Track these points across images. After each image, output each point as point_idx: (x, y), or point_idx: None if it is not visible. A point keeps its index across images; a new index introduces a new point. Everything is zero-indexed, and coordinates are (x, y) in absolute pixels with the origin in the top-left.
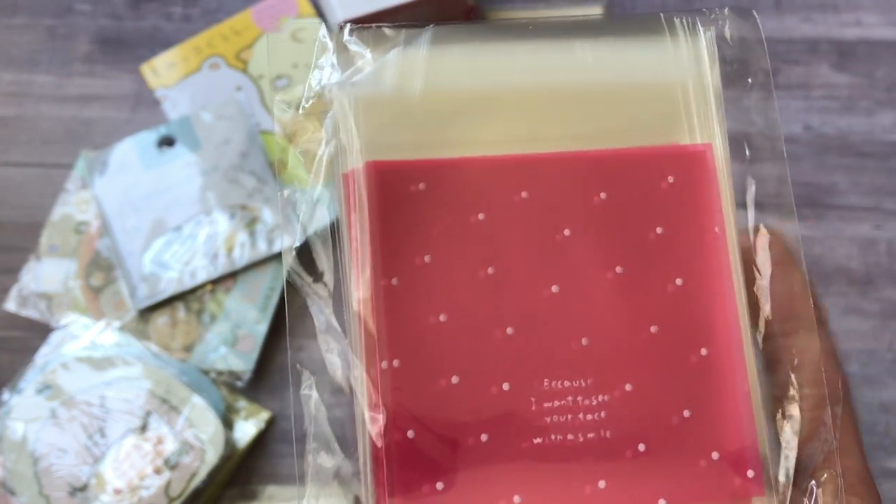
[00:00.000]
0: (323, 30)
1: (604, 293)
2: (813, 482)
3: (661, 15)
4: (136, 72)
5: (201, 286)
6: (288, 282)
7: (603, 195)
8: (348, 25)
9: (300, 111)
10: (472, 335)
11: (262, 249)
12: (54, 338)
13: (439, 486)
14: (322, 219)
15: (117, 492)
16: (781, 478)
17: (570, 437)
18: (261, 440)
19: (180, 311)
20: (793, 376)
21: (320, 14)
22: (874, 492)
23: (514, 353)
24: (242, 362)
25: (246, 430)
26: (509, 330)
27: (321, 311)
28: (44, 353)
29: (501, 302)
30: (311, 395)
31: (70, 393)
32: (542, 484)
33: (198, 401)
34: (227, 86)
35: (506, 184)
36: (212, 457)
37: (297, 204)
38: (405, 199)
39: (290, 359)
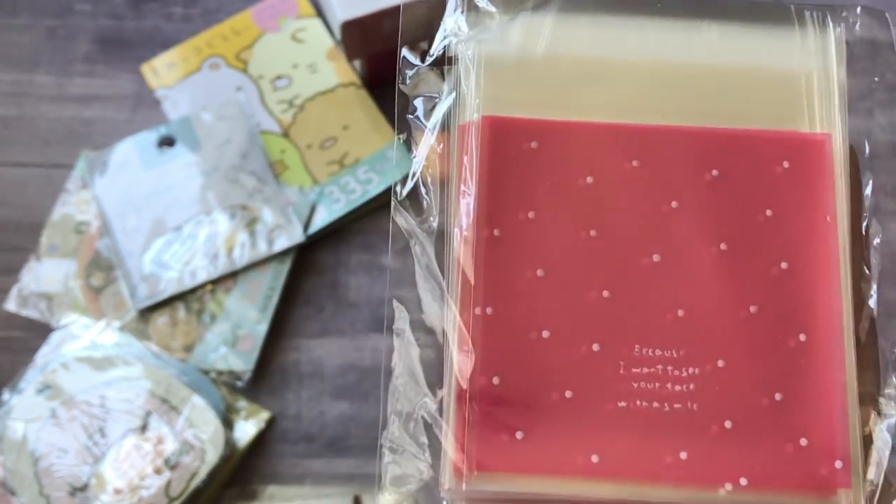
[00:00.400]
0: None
1: (706, 268)
2: None
3: (792, 6)
4: (137, 72)
5: (201, 286)
6: (393, 221)
7: (715, 172)
8: None
9: (425, 62)
10: (567, 293)
11: (263, 249)
12: (54, 338)
13: (519, 435)
14: (434, 169)
15: (117, 492)
16: (872, 475)
17: (655, 405)
18: (261, 440)
19: (180, 311)
20: (894, 378)
21: (320, 14)
22: None
23: (608, 316)
24: (242, 362)
25: (246, 430)
26: (605, 293)
27: (423, 252)
28: (44, 353)
29: (601, 264)
30: (404, 330)
31: (70, 393)
32: (622, 447)
33: (198, 401)
34: (228, 86)
35: (618, 151)
36: (212, 457)
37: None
38: (517, 155)
39: (387, 291)
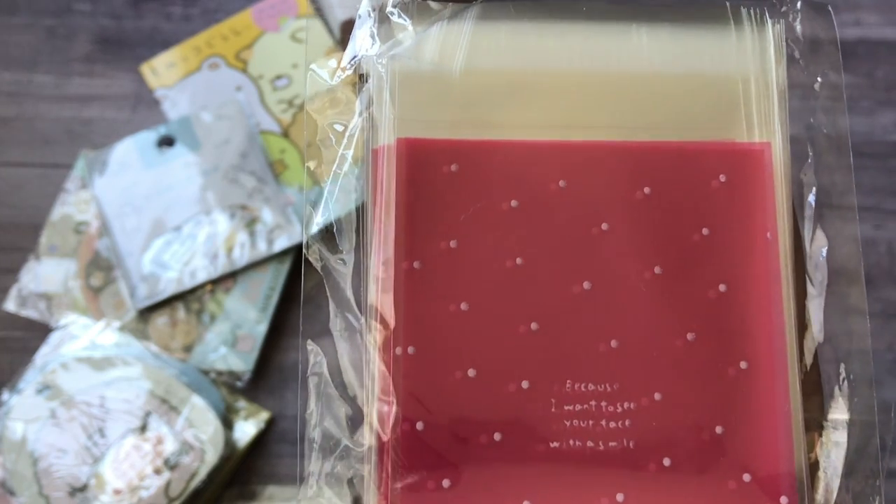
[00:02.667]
0: (364, 13)
1: (639, 294)
2: None
3: (728, 3)
4: (136, 72)
5: (201, 286)
6: (306, 259)
7: (647, 190)
8: None
9: (333, 80)
10: (493, 327)
11: (262, 249)
12: (54, 338)
13: (445, 483)
14: (347, 199)
15: (117, 492)
16: None
17: (589, 444)
18: (260, 440)
19: (180, 311)
20: (841, 400)
21: (320, 14)
22: None
23: (536, 351)
24: (242, 362)
25: (246, 430)
26: (534, 325)
27: (338, 290)
28: (43, 354)
29: (528, 295)
30: (322, 374)
31: (70, 393)
32: (555, 491)
33: (197, 401)
34: (227, 86)
35: (543, 171)
36: (211, 457)
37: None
38: (435, 179)
39: (300, 335)
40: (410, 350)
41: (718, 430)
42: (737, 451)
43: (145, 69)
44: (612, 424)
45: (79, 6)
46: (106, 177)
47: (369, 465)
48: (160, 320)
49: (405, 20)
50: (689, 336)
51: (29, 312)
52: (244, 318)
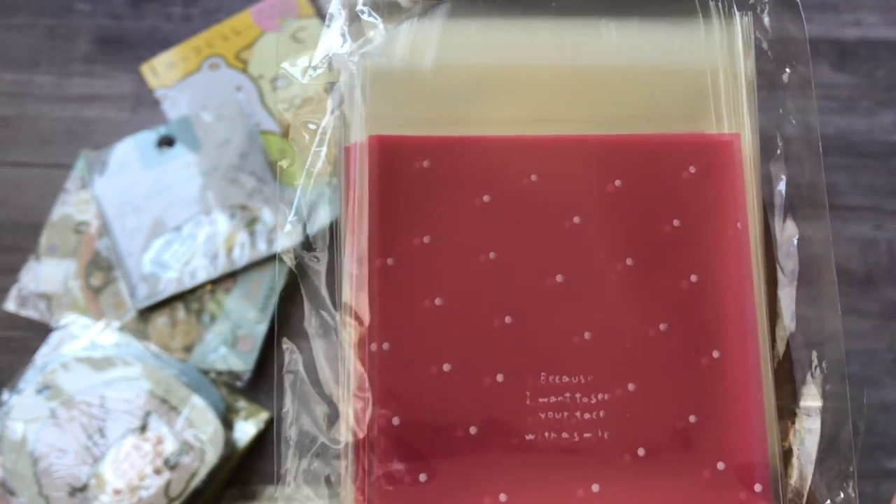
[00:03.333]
0: (334, 10)
1: (611, 286)
2: (828, 502)
3: None
4: (136, 72)
5: (201, 286)
6: (279, 258)
7: (618, 183)
8: None
9: (305, 80)
10: (468, 322)
11: (262, 249)
12: (54, 338)
13: (422, 477)
14: (320, 197)
15: (117, 492)
16: (792, 495)
17: (564, 435)
18: (260, 440)
19: (180, 311)
20: (813, 388)
21: (320, 14)
22: None
23: (511, 344)
24: (242, 362)
25: (246, 430)
26: (508, 319)
27: (312, 289)
28: (43, 354)
29: (502, 289)
30: (298, 371)
31: (70, 393)
32: (531, 483)
33: (197, 401)
34: (227, 86)
35: (515, 165)
36: (211, 457)
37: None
38: (408, 176)
39: (275, 335)
40: (385, 346)
41: (692, 419)
42: (710, 440)
43: (145, 69)
44: (587, 416)
45: (79, 6)
46: (106, 177)
47: (346, 461)
48: (160, 320)
49: (375, 18)
50: (662, 326)
51: (29, 312)
52: (244, 318)
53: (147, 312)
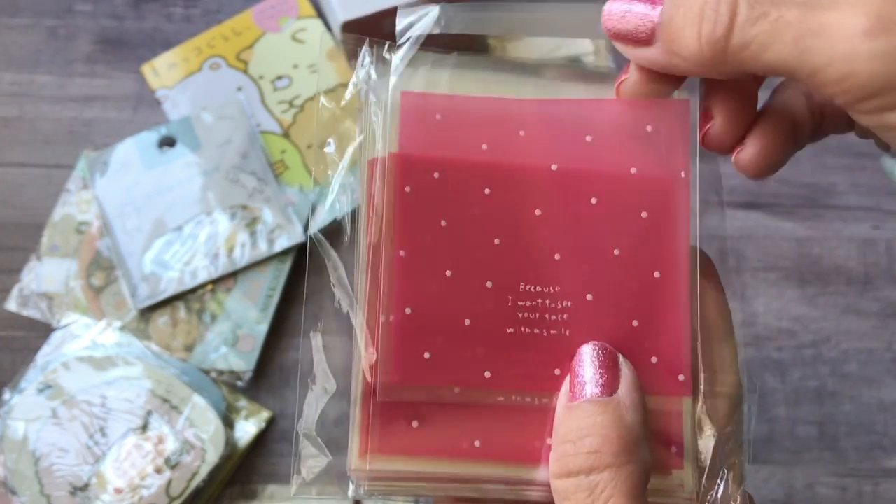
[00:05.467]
0: (366, 46)
1: (579, 219)
2: (725, 469)
3: None
4: (137, 72)
5: (202, 286)
6: (311, 240)
7: (589, 138)
8: (387, 43)
9: (341, 104)
10: (468, 241)
11: (263, 249)
12: (55, 337)
13: (414, 423)
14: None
15: (118, 491)
16: (705, 386)
17: (535, 331)
18: (261, 439)
19: (181, 310)
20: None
21: (320, 14)
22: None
23: (500, 259)
24: (243, 362)
25: (246, 429)
26: (497, 241)
27: (335, 270)
28: (45, 353)
29: (495, 218)
30: (318, 335)
31: (71, 392)
32: (510, 365)
33: (198, 400)
34: (228, 86)
35: (506, 125)
36: (212, 456)
37: (329, 185)
38: (420, 183)
39: (303, 308)
40: (402, 253)
41: (635, 323)
42: (647, 340)
43: (146, 70)
44: (553, 318)
45: (80, 7)
46: (107, 177)
47: (354, 405)
48: (161, 320)
49: (404, 66)
50: (616, 251)
51: (30, 312)
52: (245, 317)
53: (148, 312)
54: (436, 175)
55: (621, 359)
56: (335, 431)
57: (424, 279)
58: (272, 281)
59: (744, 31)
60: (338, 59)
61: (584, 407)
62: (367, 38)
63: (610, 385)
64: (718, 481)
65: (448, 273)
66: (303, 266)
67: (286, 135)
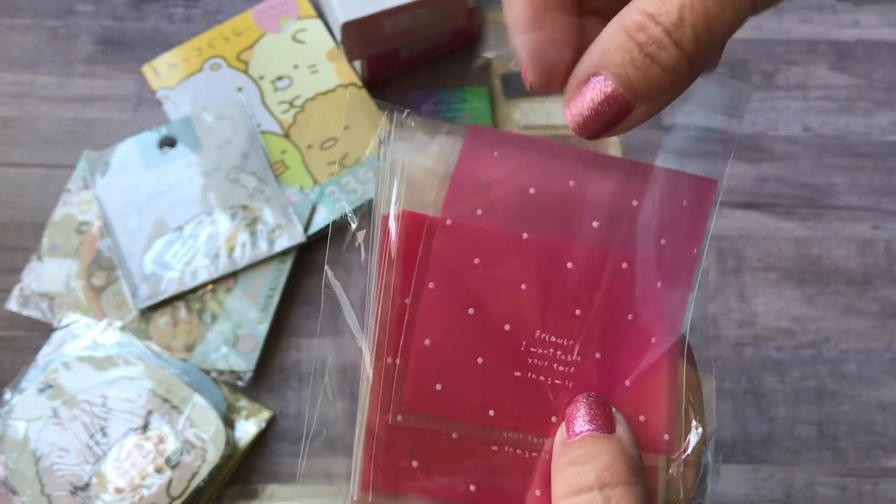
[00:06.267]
0: (387, 117)
1: (608, 281)
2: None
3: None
4: (138, 72)
5: (202, 286)
6: (326, 288)
7: (635, 202)
8: (407, 111)
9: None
10: (496, 284)
11: (263, 249)
12: (56, 337)
13: (414, 464)
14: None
15: (119, 491)
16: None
17: (541, 378)
18: (261, 439)
19: (181, 310)
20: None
21: (321, 15)
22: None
23: (522, 304)
24: (243, 362)
25: (247, 429)
26: (523, 286)
27: (349, 315)
28: (45, 353)
29: (527, 264)
30: (325, 380)
31: (71, 392)
32: (513, 405)
33: (199, 400)
34: (228, 86)
35: (559, 172)
36: (213, 456)
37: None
38: (424, 238)
39: (316, 351)
40: (431, 286)
41: (627, 383)
42: (638, 399)
43: (147, 70)
44: (561, 369)
45: (81, 7)
46: (108, 177)
47: (358, 439)
48: (162, 320)
49: (419, 128)
50: (630, 317)
51: (31, 312)
52: (245, 317)
53: (149, 312)
54: (479, 212)
55: (613, 409)
56: (341, 441)
57: (448, 313)
58: (272, 281)
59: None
60: (338, 59)
61: (587, 439)
62: (394, 110)
63: (608, 426)
64: None
65: (471, 311)
66: (303, 266)
67: (286, 135)
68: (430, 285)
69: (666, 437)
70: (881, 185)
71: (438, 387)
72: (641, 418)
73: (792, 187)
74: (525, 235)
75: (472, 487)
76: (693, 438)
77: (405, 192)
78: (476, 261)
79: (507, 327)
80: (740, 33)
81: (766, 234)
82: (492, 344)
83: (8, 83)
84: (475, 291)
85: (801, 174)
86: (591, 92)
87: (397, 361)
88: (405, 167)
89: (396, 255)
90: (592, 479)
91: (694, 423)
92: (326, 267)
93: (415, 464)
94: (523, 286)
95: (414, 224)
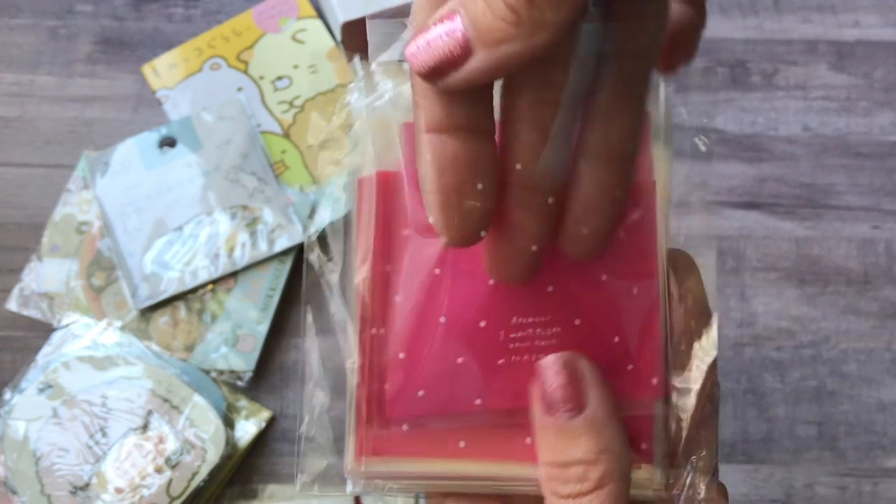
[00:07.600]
0: (357, 60)
1: (570, 259)
2: (693, 460)
3: None
4: (138, 72)
5: (202, 286)
6: (308, 261)
7: None
8: (377, 59)
9: (332, 124)
10: (465, 282)
11: (263, 249)
12: (56, 337)
13: (405, 427)
14: (339, 211)
15: (119, 491)
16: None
17: (525, 357)
18: (261, 439)
19: (181, 310)
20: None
21: (321, 15)
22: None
23: (494, 298)
24: (243, 362)
25: (247, 429)
26: (491, 281)
27: (329, 285)
28: (45, 353)
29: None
30: (315, 347)
31: (71, 392)
32: (500, 391)
33: (199, 400)
34: (228, 86)
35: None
36: (213, 456)
37: (320, 200)
38: (403, 201)
39: (301, 312)
40: (398, 298)
41: (616, 339)
42: (625, 351)
43: (147, 70)
44: (543, 343)
45: (81, 7)
46: (108, 177)
47: (350, 411)
48: (161, 320)
49: (386, 79)
50: (604, 277)
51: (31, 312)
52: (245, 317)
53: (148, 312)
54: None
55: (586, 370)
56: (334, 431)
57: (418, 325)
58: (272, 281)
59: None
60: (338, 59)
61: (563, 429)
62: (359, 55)
63: (577, 399)
64: (686, 473)
65: (442, 320)
66: (302, 266)
67: (286, 135)
68: (397, 298)
69: (654, 380)
70: (881, 185)
71: (421, 393)
72: (629, 367)
73: (792, 187)
74: (482, 233)
75: (462, 444)
76: (697, 365)
77: (378, 151)
78: (437, 271)
79: (482, 324)
80: (740, 33)
81: (766, 233)
82: (470, 344)
83: (8, 83)
84: (442, 301)
85: (801, 174)
86: (440, 26)
87: (396, 298)
88: (375, 124)
89: (375, 216)
90: (570, 489)
91: (697, 348)
92: (305, 242)
93: (405, 428)
94: (491, 281)
95: (391, 182)
